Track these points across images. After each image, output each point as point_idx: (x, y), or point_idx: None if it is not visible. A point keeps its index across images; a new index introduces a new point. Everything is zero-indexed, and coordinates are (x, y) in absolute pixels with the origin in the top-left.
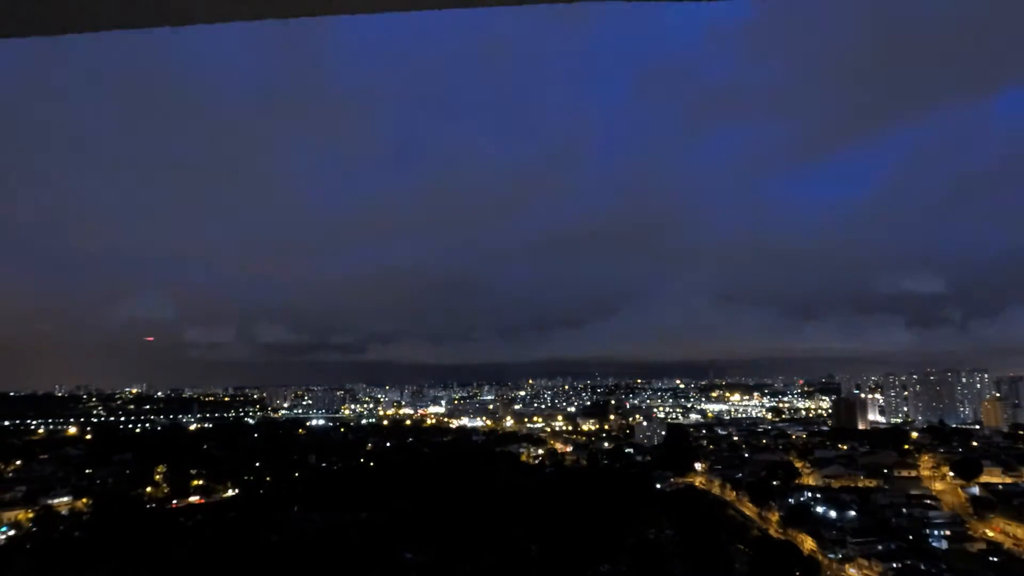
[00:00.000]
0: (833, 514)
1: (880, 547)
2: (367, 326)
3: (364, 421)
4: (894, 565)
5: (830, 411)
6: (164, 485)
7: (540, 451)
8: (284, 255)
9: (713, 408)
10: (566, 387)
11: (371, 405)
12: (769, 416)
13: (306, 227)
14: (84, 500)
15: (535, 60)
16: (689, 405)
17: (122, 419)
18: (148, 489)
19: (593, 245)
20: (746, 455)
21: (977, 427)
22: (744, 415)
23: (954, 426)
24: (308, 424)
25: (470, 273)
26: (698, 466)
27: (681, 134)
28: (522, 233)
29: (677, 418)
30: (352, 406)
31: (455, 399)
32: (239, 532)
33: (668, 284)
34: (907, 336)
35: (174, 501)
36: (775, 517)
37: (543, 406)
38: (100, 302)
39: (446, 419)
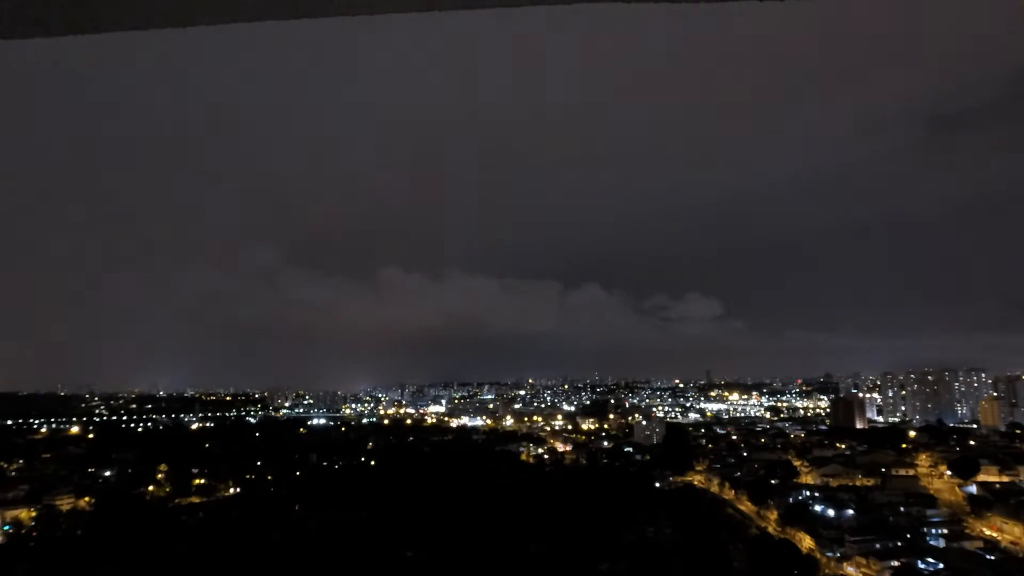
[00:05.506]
0: (831, 513)
1: (878, 545)
2: None
3: (365, 420)
4: (892, 563)
5: (828, 410)
6: (166, 484)
7: (540, 450)
8: None
9: (712, 407)
10: (566, 386)
11: (372, 405)
12: (767, 415)
13: None
14: (86, 499)
15: None
16: (688, 404)
17: (124, 418)
18: (150, 488)
19: None
20: (745, 454)
21: (975, 426)
22: (743, 414)
23: (952, 425)
24: (309, 423)
25: None
26: (697, 465)
27: None
28: None
29: (676, 417)
30: (353, 405)
31: (455, 399)
32: (241, 530)
33: None
34: None
35: (176, 500)
36: (774, 515)
37: (543, 405)
38: None
39: (446, 418)
